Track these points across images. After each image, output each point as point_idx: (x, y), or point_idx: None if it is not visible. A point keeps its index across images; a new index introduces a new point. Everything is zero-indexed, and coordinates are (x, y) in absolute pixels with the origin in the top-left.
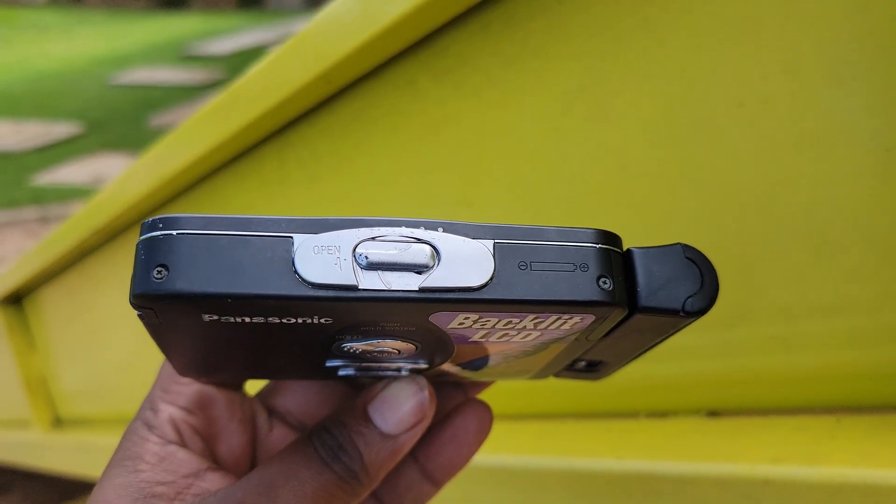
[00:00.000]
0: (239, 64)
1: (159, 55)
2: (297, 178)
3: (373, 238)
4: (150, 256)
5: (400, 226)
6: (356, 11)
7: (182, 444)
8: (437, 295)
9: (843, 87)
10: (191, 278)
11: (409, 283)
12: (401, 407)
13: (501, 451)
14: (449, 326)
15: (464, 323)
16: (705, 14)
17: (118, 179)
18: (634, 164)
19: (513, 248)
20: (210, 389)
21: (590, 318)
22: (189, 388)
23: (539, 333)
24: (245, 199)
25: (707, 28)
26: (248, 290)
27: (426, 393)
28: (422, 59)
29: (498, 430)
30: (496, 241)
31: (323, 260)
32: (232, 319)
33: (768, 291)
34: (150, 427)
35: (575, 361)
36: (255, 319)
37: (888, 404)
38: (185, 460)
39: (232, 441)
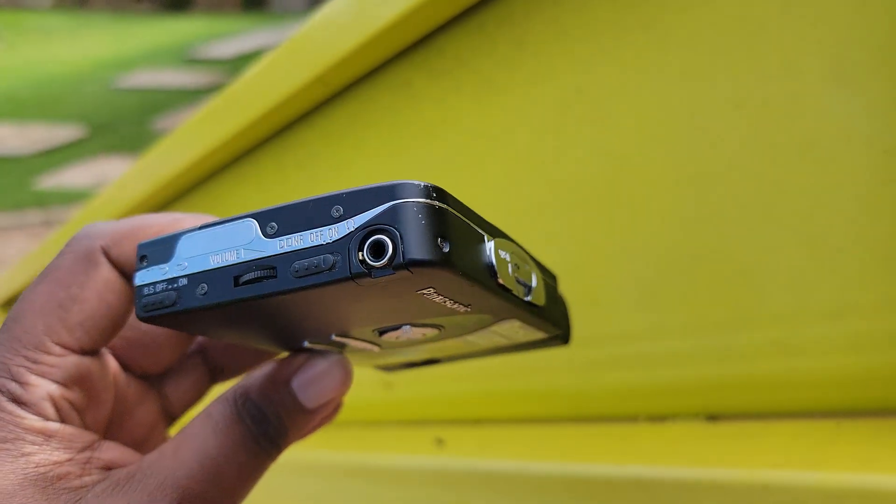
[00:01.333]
0: (243, 67)
1: (163, 58)
2: (295, 180)
3: (512, 253)
4: (433, 225)
5: (513, 243)
6: (352, 13)
7: (62, 421)
8: (532, 307)
9: (842, 89)
10: (462, 257)
11: (526, 295)
12: (326, 386)
13: (499, 456)
14: (496, 326)
15: (510, 327)
16: (704, 15)
17: (116, 183)
18: (631, 165)
19: (545, 281)
20: (86, 360)
21: (541, 335)
22: (64, 359)
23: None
24: (244, 202)
25: (706, 29)
26: (485, 281)
27: (349, 372)
28: (418, 60)
29: (497, 435)
30: (541, 273)
31: (503, 265)
32: (436, 299)
33: (767, 295)
34: (21, 403)
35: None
36: (441, 300)
37: (888, 409)
38: (75, 434)
39: (101, 410)
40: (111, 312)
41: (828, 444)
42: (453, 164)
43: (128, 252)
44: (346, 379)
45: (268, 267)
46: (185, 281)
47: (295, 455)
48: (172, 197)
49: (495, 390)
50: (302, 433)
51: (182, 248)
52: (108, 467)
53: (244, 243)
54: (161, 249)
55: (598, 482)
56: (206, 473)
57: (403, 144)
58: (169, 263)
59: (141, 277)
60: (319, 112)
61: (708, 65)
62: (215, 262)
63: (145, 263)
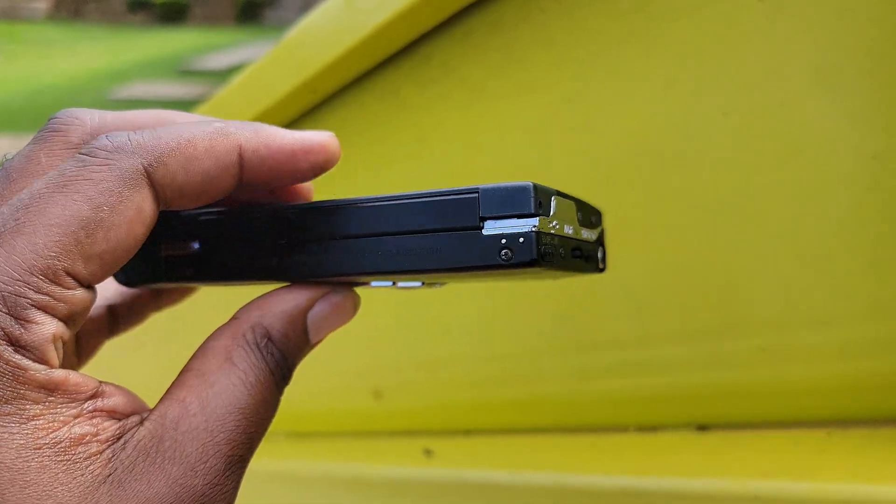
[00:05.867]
0: None
1: (158, 70)
2: None
3: None
4: None
5: None
6: (339, 20)
7: (63, 367)
8: None
9: (828, 95)
10: None
11: None
12: (335, 322)
13: (488, 466)
14: None
15: None
16: (690, 23)
17: None
18: (619, 173)
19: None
20: (90, 295)
21: None
22: (73, 294)
23: None
24: None
25: (692, 37)
26: None
27: (357, 308)
28: (405, 67)
29: (485, 445)
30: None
31: None
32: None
33: (756, 303)
34: (20, 348)
35: None
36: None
37: (879, 417)
38: (79, 383)
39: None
40: (134, 246)
41: (818, 453)
42: (442, 172)
43: (174, 173)
44: (353, 315)
45: (589, 249)
46: (557, 240)
47: (282, 466)
48: None
49: (484, 400)
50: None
51: (554, 206)
52: (112, 415)
53: (571, 222)
54: (544, 200)
55: (588, 492)
56: (245, 435)
57: (392, 152)
58: (549, 218)
59: (540, 224)
60: (307, 119)
61: (695, 73)
62: (567, 231)
63: (540, 210)
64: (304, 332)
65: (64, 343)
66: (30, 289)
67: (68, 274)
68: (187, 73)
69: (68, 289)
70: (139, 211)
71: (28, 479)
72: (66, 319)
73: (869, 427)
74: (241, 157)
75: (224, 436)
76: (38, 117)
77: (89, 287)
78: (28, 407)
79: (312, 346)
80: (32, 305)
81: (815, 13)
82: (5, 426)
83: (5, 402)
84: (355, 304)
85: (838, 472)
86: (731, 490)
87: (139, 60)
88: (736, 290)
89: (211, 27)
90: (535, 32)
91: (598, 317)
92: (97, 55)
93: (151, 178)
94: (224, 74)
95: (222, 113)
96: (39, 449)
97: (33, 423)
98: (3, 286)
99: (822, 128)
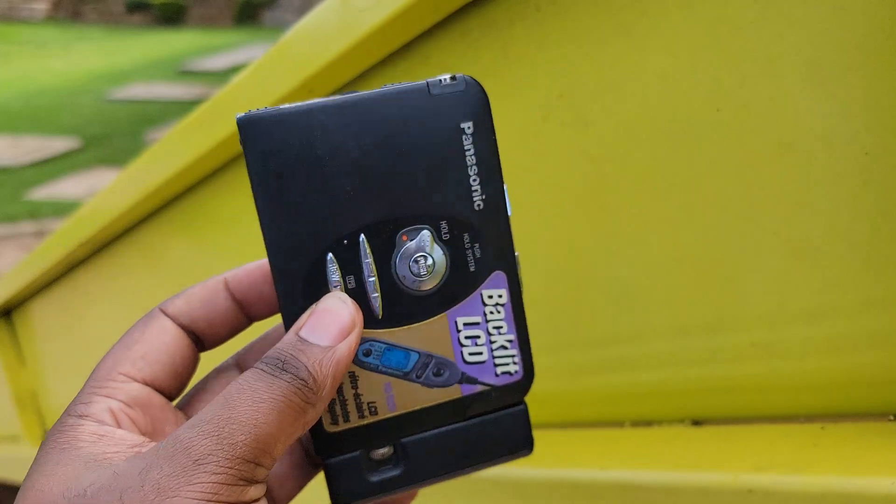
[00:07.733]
0: None
1: (157, 71)
2: None
3: None
4: None
5: None
6: (337, 20)
7: (118, 427)
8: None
9: (820, 91)
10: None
11: None
12: (332, 320)
13: None
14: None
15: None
16: (684, 19)
17: (103, 192)
18: (613, 169)
19: None
20: (149, 389)
21: None
22: (128, 385)
23: None
24: (232, 209)
25: (685, 33)
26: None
27: (349, 303)
28: (402, 67)
29: None
30: None
31: None
32: (467, 142)
33: (749, 298)
34: (81, 416)
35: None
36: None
37: (871, 411)
38: (126, 437)
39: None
40: (168, 349)
41: (811, 447)
42: None
43: (179, 306)
44: (348, 307)
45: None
46: None
47: None
48: (161, 204)
49: None
50: (327, 368)
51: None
52: None
53: None
54: None
55: (584, 487)
56: (218, 406)
57: None
58: None
59: None
60: None
61: (687, 68)
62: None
63: None
64: (301, 340)
65: (131, 419)
66: (96, 387)
67: (121, 374)
68: (186, 74)
69: (122, 382)
70: (162, 328)
71: (50, 472)
72: (126, 401)
73: (861, 420)
74: (226, 284)
75: (205, 415)
76: (37, 118)
77: (147, 384)
78: (79, 443)
79: (332, 347)
80: (95, 394)
81: (807, 8)
82: (56, 451)
83: (65, 444)
84: (343, 298)
85: (830, 466)
86: (725, 483)
87: (138, 61)
88: (729, 285)
89: (209, 28)
90: (531, 31)
91: (592, 313)
92: (96, 56)
93: (166, 312)
94: (223, 75)
95: (220, 112)
96: (71, 456)
97: (76, 451)
98: (81, 392)
99: (814, 123)
